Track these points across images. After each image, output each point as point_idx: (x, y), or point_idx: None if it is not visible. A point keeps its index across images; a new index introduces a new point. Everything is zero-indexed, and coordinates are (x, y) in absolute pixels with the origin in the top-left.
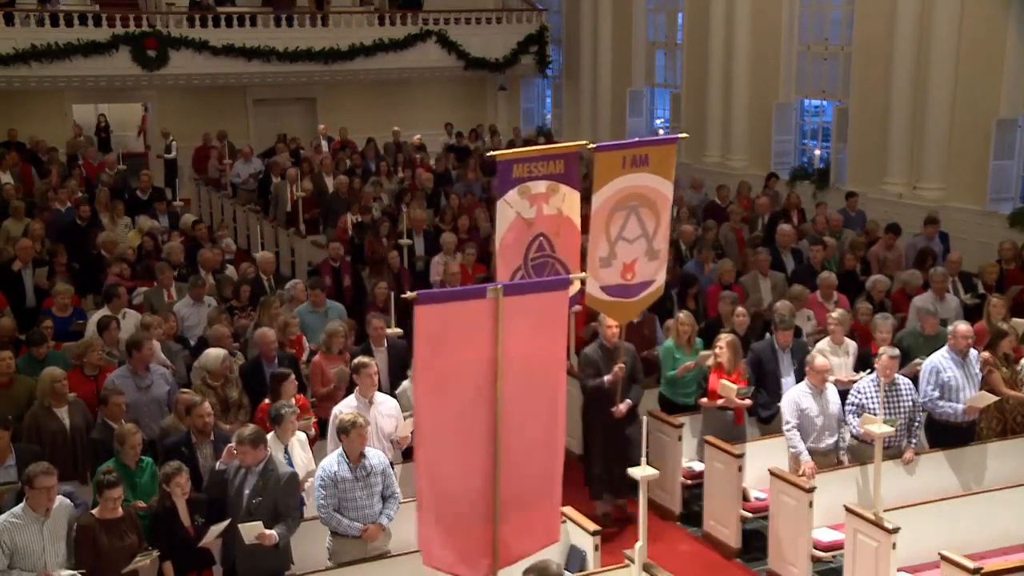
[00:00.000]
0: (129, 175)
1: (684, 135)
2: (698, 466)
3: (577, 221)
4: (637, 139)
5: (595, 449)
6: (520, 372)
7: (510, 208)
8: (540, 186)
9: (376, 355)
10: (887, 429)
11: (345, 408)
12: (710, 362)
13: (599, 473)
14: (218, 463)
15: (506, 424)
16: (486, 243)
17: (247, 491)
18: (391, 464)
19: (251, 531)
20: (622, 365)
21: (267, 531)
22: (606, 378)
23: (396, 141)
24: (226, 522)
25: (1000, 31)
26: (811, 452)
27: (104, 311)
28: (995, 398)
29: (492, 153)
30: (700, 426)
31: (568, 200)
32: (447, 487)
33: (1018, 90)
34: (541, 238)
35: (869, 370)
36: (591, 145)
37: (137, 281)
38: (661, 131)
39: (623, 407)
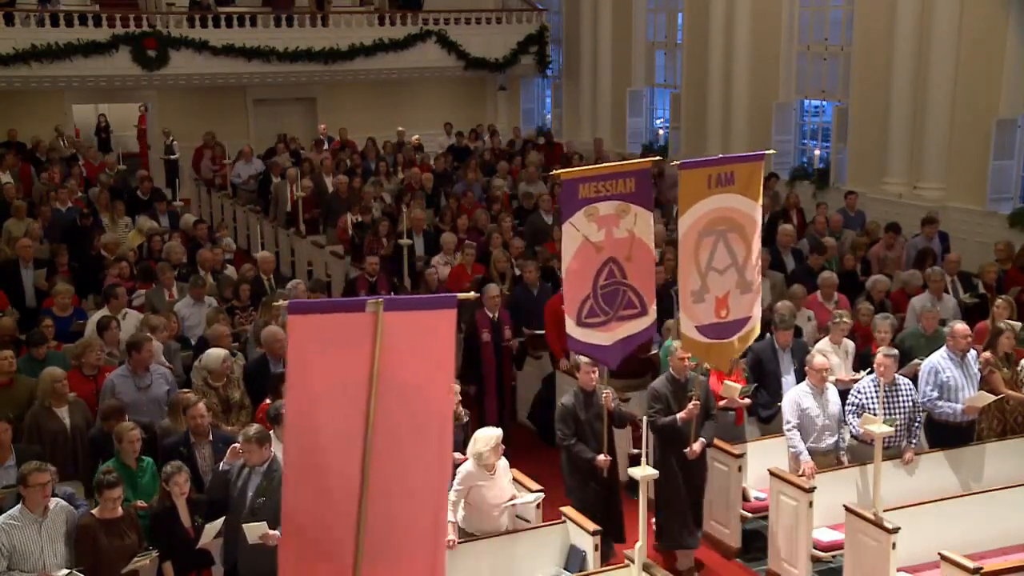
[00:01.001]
0: (129, 175)
1: (771, 151)
2: None
3: (651, 244)
4: (722, 156)
5: (669, 495)
6: (399, 401)
7: (577, 232)
8: (609, 207)
9: None
10: (887, 429)
11: None
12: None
13: (675, 522)
14: (222, 463)
15: (378, 459)
16: (487, 243)
17: (251, 491)
18: None
19: (255, 531)
20: (697, 402)
21: (271, 531)
22: (679, 415)
23: (400, 141)
24: (220, 520)
25: (1000, 31)
26: (811, 452)
27: (104, 311)
28: (994, 398)
29: (556, 172)
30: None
31: (640, 221)
32: (308, 522)
33: (1018, 90)
34: (611, 264)
35: (869, 370)
36: (675, 163)
37: (138, 281)
38: (661, 131)
39: (697, 447)
